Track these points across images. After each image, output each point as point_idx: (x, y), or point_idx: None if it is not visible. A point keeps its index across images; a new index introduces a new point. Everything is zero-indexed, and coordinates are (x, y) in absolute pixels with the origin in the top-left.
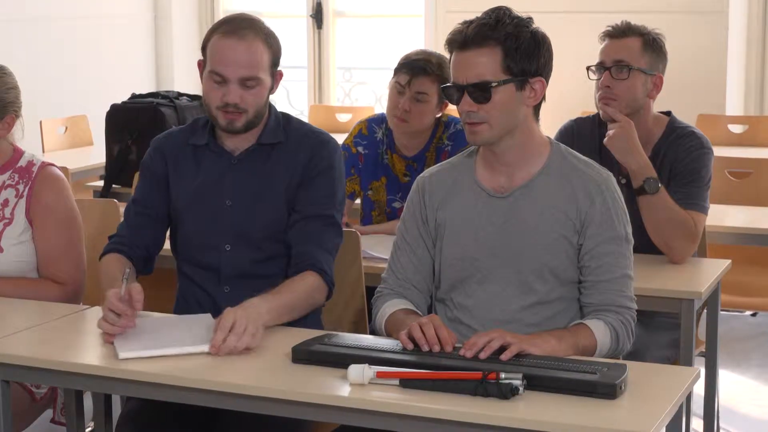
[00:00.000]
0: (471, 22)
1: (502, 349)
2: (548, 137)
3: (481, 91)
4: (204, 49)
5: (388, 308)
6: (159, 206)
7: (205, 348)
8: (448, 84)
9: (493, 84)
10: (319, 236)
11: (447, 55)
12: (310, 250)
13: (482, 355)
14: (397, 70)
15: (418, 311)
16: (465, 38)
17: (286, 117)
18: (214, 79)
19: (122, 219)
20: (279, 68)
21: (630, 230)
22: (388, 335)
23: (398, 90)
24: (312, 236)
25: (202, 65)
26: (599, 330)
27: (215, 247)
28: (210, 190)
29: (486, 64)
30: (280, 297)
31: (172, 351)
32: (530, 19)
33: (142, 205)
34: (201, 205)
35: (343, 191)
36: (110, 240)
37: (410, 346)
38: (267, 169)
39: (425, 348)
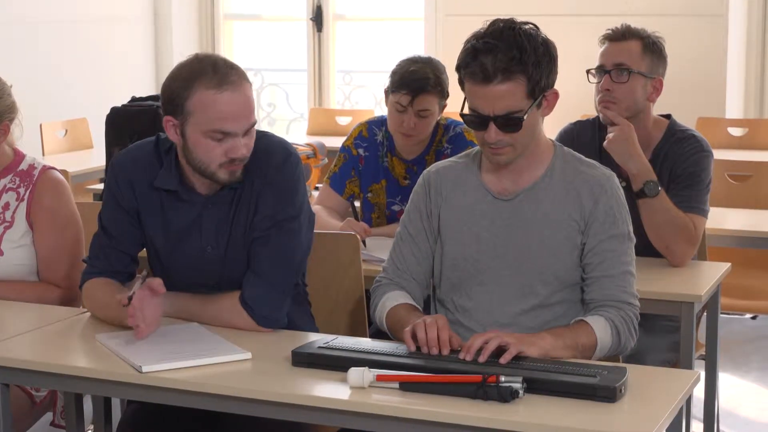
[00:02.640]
0: (489, 50)
1: (501, 350)
2: (551, 140)
3: (510, 122)
4: (179, 105)
5: (388, 301)
6: (133, 239)
7: (225, 359)
8: (468, 113)
9: (524, 115)
10: (252, 259)
11: (455, 71)
12: (246, 274)
13: (481, 358)
14: (395, 89)
15: (418, 307)
16: (488, 73)
17: None
18: (213, 137)
19: (93, 243)
20: None
21: (631, 228)
22: (388, 329)
23: (399, 110)
24: (249, 260)
25: (174, 123)
26: (599, 326)
27: (201, 285)
28: (187, 236)
29: (512, 95)
30: (191, 303)
31: (193, 363)
32: (537, 28)
33: (114, 239)
34: (180, 252)
35: (297, 204)
36: (87, 266)
37: (413, 347)
38: (239, 206)
39: (424, 349)
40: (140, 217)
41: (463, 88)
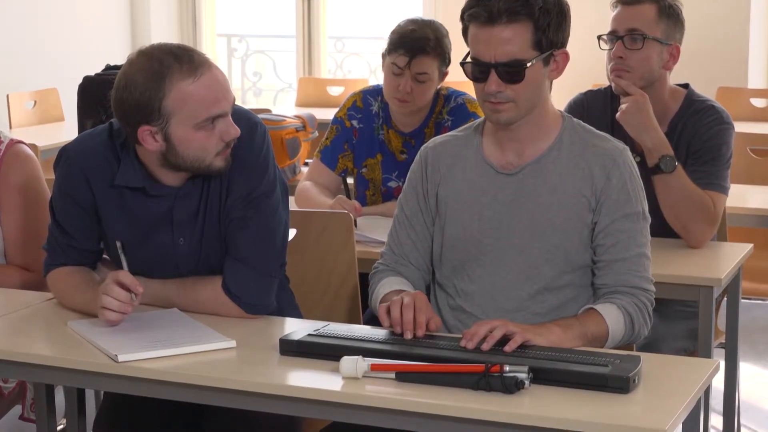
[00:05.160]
0: None
1: (505, 339)
2: (560, 111)
3: (513, 71)
4: (155, 109)
5: (382, 288)
6: (92, 236)
7: (208, 347)
8: (469, 61)
9: (527, 63)
10: (232, 245)
11: (459, 25)
12: (226, 261)
13: (485, 347)
14: (392, 49)
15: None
16: (492, 13)
17: None
18: (206, 127)
19: (50, 235)
20: None
21: (647, 207)
22: (382, 319)
23: (395, 72)
24: (228, 246)
25: (152, 131)
26: (611, 315)
27: (174, 275)
28: (157, 229)
29: (516, 40)
30: (167, 289)
31: (171, 352)
32: None
33: (72, 237)
34: (149, 246)
35: (270, 178)
36: (47, 256)
37: (387, 324)
38: (210, 192)
39: (398, 330)
40: (99, 212)
41: (466, 39)
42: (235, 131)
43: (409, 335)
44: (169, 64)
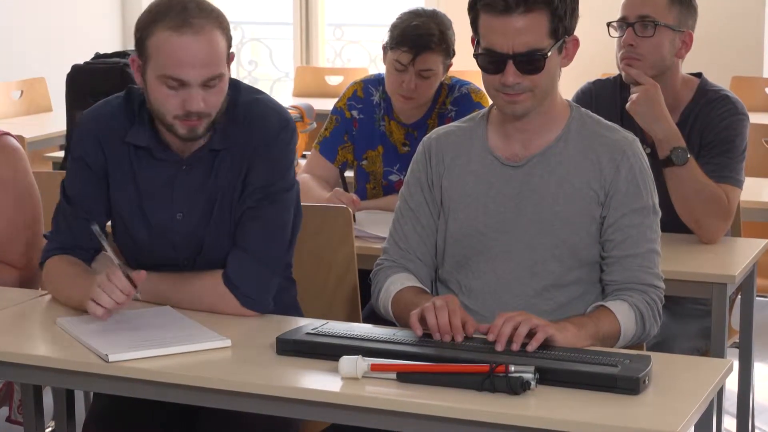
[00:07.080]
0: None
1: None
2: (567, 100)
3: (532, 62)
4: (141, 43)
5: (392, 285)
6: (99, 205)
7: (202, 346)
8: (483, 53)
9: (547, 53)
10: (240, 234)
11: (463, 12)
12: (231, 251)
13: (514, 347)
14: (394, 45)
15: (426, 290)
16: (509, 2)
17: (233, 100)
18: (168, 84)
19: (56, 215)
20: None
21: (657, 200)
22: (395, 317)
23: (398, 69)
24: (237, 236)
25: (138, 64)
26: (623, 313)
27: (172, 261)
28: (157, 200)
29: (534, 30)
30: (163, 282)
31: (163, 351)
32: None
33: (78, 206)
34: (147, 219)
35: (290, 177)
36: (48, 241)
37: (420, 332)
38: (218, 172)
39: (436, 336)
40: (108, 177)
41: (475, 30)
42: (197, 105)
43: (447, 338)
44: (166, 12)
